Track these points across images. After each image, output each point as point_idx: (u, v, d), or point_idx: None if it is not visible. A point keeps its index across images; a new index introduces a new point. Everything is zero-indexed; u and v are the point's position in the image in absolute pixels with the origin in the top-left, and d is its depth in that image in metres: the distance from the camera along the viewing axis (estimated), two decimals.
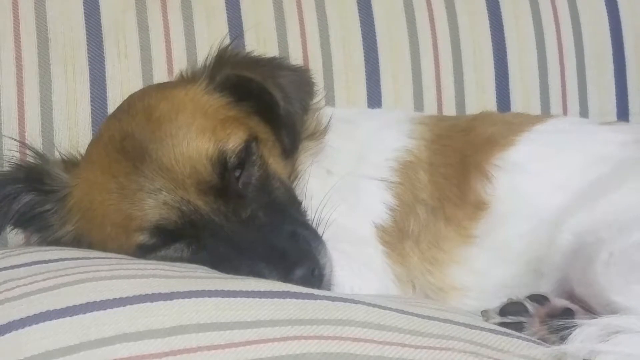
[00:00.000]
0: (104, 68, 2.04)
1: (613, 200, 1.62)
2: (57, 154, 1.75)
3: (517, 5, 2.37)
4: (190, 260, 1.52)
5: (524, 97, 2.34)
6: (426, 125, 1.89)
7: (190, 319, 1.14)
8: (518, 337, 1.31)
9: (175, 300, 1.19)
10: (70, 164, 1.69)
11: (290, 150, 1.72)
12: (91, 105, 2.01)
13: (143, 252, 1.54)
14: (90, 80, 2.02)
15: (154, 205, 1.52)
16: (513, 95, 2.33)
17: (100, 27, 2.05)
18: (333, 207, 1.64)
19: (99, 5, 2.06)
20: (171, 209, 1.52)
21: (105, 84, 2.03)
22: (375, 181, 1.76)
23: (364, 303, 1.27)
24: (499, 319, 1.52)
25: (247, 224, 1.53)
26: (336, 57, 2.21)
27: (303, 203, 1.69)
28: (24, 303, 1.19)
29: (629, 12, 2.45)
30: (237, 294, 1.23)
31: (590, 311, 1.50)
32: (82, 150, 1.73)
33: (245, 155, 1.59)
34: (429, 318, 1.28)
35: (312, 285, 1.39)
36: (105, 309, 1.15)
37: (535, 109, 2.34)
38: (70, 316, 1.14)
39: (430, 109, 2.26)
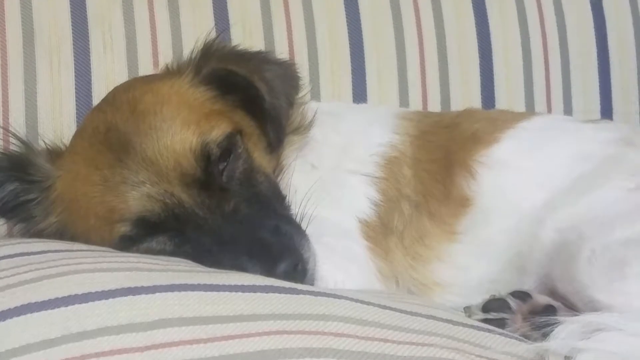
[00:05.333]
0: (89, 60, 2.03)
1: (596, 197, 1.63)
2: (42, 144, 1.74)
3: (503, 2, 2.37)
4: (173, 253, 1.51)
5: (508, 94, 2.35)
6: (411, 120, 1.89)
7: (172, 313, 1.14)
8: (500, 334, 1.31)
9: (157, 293, 1.18)
10: (54, 154, 1.68)
11: (275, 144, 1.72)
12: (76, 97, 2.01)
13: (126, 244, 1.54)
14: (75, 72, 2.01)
15: (137, 197, 1.52)
16: (498, 93, 2.34)
17: (86, 19, 2.04)
18: (317, 201, 1.64)
19: None
20: (155, 201, 1.52)
21: (90, 76, 2.02)
22: (359, 176, 1.77)
23: (346, 298, 1.27)
24: (481, 315, 1.53)
25: (231, 218, 1.53)
26: (322, 51, 2.21)
27: (287, 197, 1.69)
28: (6, 295, 1.18)
29: (614, 12, 2.46)
30: (220, 288, 1.23)
31: (573, 308, 1.51)
32: (67, 142, 1.72)
33: (229, 147, 1.59)
34: (412, 314, 1.28)
35: (296, 280, 1.39)
36: (87, 302, 1.15)
37: (520, 107, 2.34)
38: (52, 309, 1.13)
39: (415, 104, 2.27)
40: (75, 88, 2.01)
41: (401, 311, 1.28)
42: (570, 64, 2.41)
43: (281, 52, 2.09)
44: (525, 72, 2.36)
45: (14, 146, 1.69)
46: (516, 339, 1.33)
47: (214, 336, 1.10)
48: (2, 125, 1.91)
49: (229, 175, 1.58)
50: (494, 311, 1.53)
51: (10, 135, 1.72)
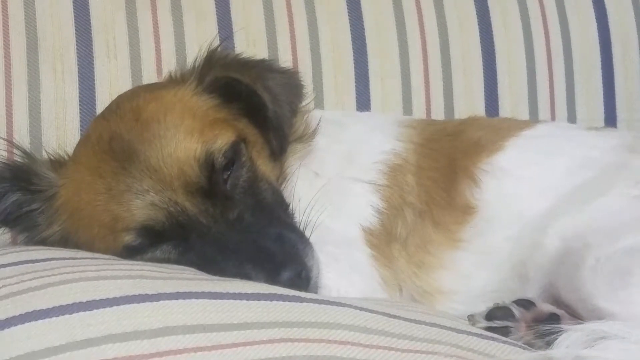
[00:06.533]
0: (93, 68, 2.03)
1: (600, 205, 1.63)
2: (44, 154, 1.74)
3: (506, 11, 2.38)
4: (178, 261, 1.51)
5: (512, 102, 2.35)
6: (414, 128, 1.89)
7: (177, 320, 1.14)
8: (504, 342, 1.31)
9: (162, 301, 1.19)
10: (57, 163, 1.68)
11: (278, 152, 1.72)
12: (80, 105, 2.01)
13: (130, 252, 1.54)
14: (79, 80, 2.01)
15: (141, 205, 1.52)
16: (502, 101, 2.34)
17: (90, 27, 2.04)
18: (320, 209, 1.64)
19: (88, 5, 2.05)
20: (159, 210, 1.52)
21: (94, 84, 2.02)
22: (363, 184, 1.77)
23: (350, 306, 1.27)
24: (485, 324, 1.52)
25: (235, 226, 1.53)
26: (325, 60, 2.21)
27: (291, 205, 1.69)
28: (9, 303, 1.19)
29: (617, 20, 2.46)
30: (224, 296, 1.23)
31: (576, 316, 1.51)
32: (70, 150, 1.72)
33: (233, 156, 1.59)
34: (416, 322, 1.28)
35: (299, 288, 1.39)
36: (91, 310, 1.15)
37: (524, 115, 2.34)
38: (56, 316, 1.13)
39: (419, 112, 2.27)
40: (79, 96, 2.01)
41: (405, 319, 1.28)
42: (574, 72, 2.41)
43: (285, 61, 2.09)
44: (529, 80, 2.36)
45: (17, 156, 1.70)
46: (520, 347, 1.33)
47: (218, 344, 1.10)
48: (5, 137, 1.91)
49: (232, 183, 1.58)
50: (498, 319, 1.53)
51: (13, 145, 1.72)
